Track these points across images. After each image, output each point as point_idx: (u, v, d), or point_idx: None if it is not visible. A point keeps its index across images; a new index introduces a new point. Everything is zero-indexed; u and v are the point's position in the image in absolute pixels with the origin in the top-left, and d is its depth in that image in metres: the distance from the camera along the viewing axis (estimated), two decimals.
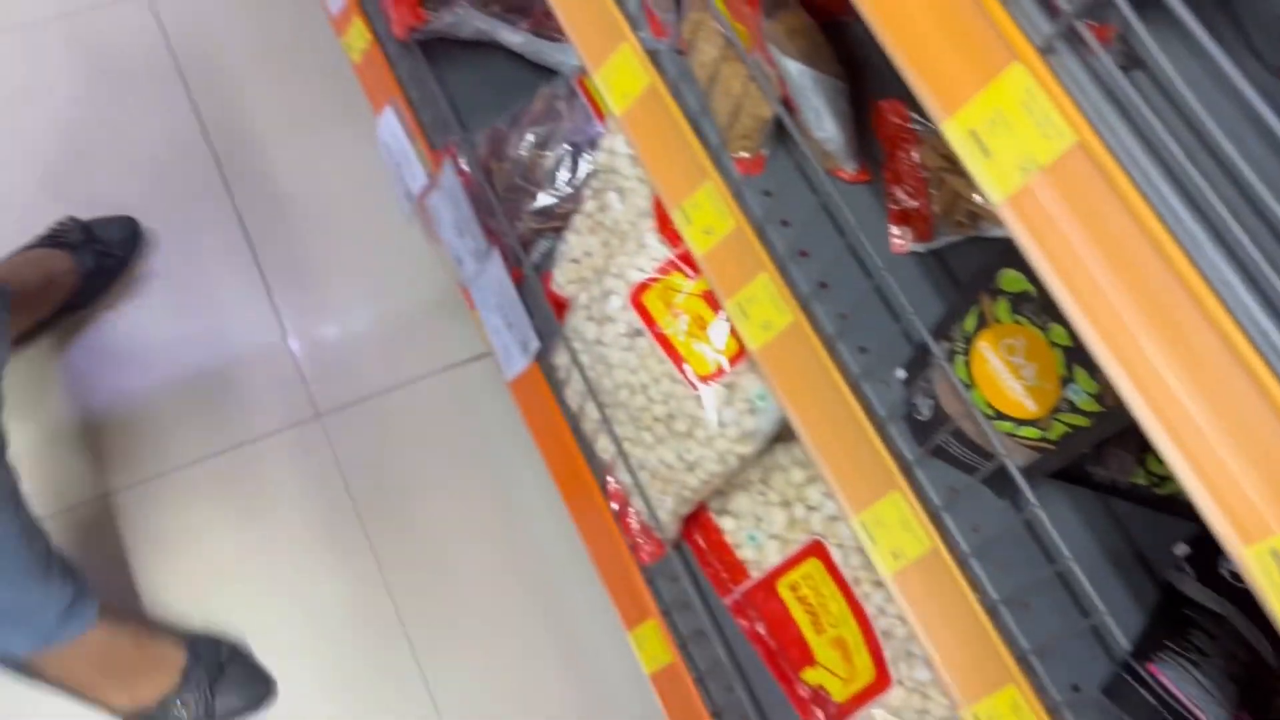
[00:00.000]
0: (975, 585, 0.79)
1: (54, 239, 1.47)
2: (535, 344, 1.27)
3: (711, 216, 0.91)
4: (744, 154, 0.91)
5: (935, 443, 0.81)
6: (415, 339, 1.56)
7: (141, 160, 1.64)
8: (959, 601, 0.79)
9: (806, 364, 0.86)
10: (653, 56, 0.96)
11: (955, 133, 0.54)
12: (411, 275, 1.60)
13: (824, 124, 0.88)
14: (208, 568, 1.39)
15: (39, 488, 1.40)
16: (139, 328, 1.52)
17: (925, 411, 0.82)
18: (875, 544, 0.83)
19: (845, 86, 0.92)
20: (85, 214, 1.51)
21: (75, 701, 1.25)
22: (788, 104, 0.86)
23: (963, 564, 0.79)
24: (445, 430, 1.50)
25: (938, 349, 0.76)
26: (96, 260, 1.48)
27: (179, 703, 1.28)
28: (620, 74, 0.97)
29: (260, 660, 1.36)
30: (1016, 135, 0.51)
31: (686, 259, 1.09)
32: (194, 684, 1.28)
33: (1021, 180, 0.51)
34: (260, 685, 1.34)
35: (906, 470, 0.82)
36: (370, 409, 1.50)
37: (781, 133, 0.93)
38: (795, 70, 0.86)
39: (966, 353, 0.77)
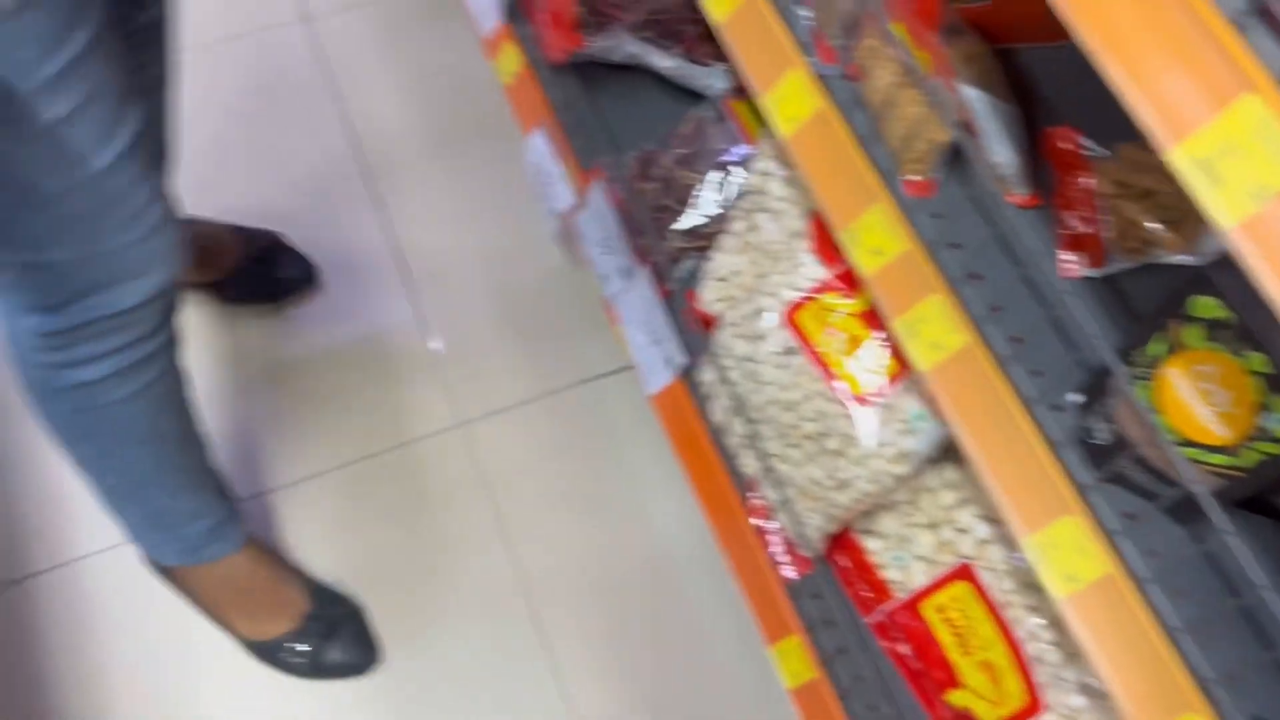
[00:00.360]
0: (1154, 611, 0.79)
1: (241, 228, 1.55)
2: (680, 359, 1.29)
3: (881, 238, 0.93)
4: (915, 177, 0.92)
5: (1113, 468, 0.81)
6: (555, 351, 1.60)
7: (297, 173, 1.72)
8: (1135, 627, 0.79)
9: (978, 386, 0.87)
10: (822, 81, 0.98)
11: (1182, 160, 0.55)
12: (552, 289, 1.65)
13: (999, 149, 0.89)
14: (350, 560, 1.45)
15: None
16: (290, 334, 1.59)
17: (1102, 436, 0.82)
18: (1048, 567, 0.83)
19: (1017, 112, 0.93)
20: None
21: (200, 614, 1.36)
22: (966, 129, 0.87)
23: (1141, 589, 0.79)
24: (584, 442, 1.54)
25: (1122, 372, 0.76)
26: (261, 265, 1.56)
27: (293, 646, 1.36)
28: (788, 98, 1.00)
29: (373, 629, 1.41)
30: (1250, 163, 0.52)
31: (843, 279, 1.11)
32: (310, 632, 1.36)
33: (1254, 207, 0.52)
34: (368, 651, 1.40)
35: (1081, 494, 0.82)
36: (511, 418, 1.55)
37: (953, 157, 0.94)
38: (973, 95, 0.87)
39: (1151, 378, 0.77)
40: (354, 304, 1.62)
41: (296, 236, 1.63)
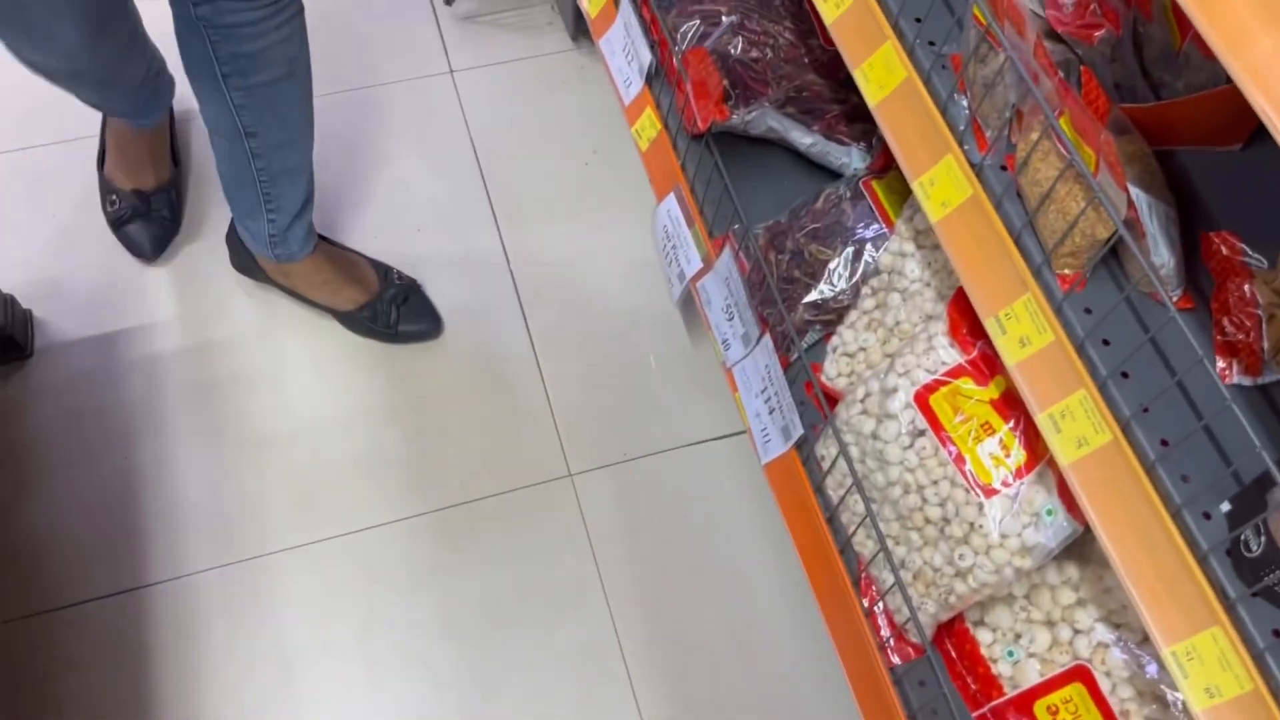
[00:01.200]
0: None
1: (387, 270, 1.67)
2: (799, 431, 1.30)
3: (1029, 328, 0.93)
4: (1069, 271, 0.92)
5: (1265, 583, 0.79)
6: (668, 412, 1.62)
7: (430, 218, 1.78)
8: None
9: (1122, 486, 0.86)
10: (975, 170, 0.99)
11: None
12: (670, 351, 1.67)
13: (1159, 249, 0.89)
14: (446, 599, 1.47)
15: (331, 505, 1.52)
16: (411, 374, 1.64)
17: (1255, 549, 0.80)
18: (1188, 678, 0.81)
19: (1175, 214, 0.93)
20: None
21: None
22: (1129, 226, 0.87)
23: None
24: (690, 505, 1.55)
25: None
26: (393, 305, 1.62)
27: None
28: (941, 184, 1.01)
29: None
30: None
31: (976, 365, 1.11)
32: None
33: None
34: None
35: (1228, 607, 0.80)
36: (619, 474, 1.56)
37: (1108, 253, 0.94)
38: (1137, 194, 0.87)
39: None
40: (476, 348, 1.66)
41: (428, 272, 1.69)
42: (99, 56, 1.30)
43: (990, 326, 0.96)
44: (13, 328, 1.58)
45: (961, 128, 1.00)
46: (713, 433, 1.60)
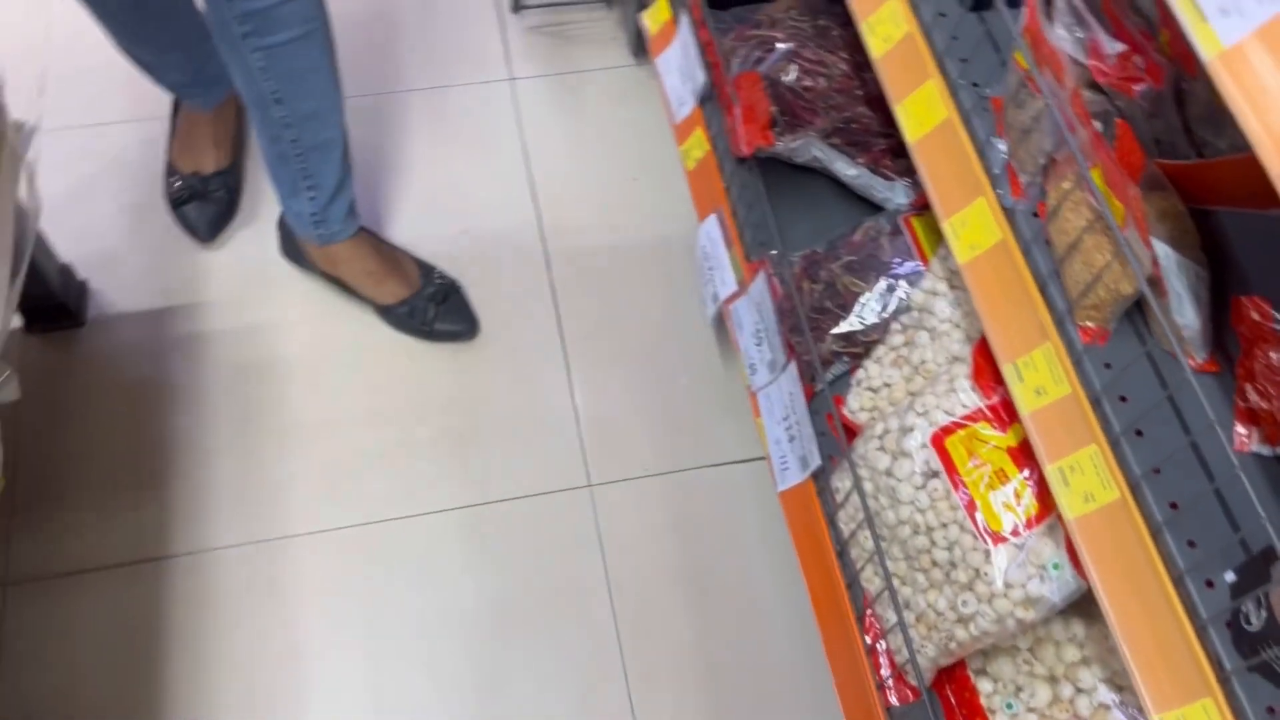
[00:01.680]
0: None
1: (429, 268, 1.71)
2: (816, 462, 1.29)
3: (1046, 378, 0.92)
4: (1090, 324, 0.91)
5: (1262, 657, 0.77)
6: (691, 432, 1.62)
7: (476, 222, 1.81)
8: None
9: (1125, 546, 0.84)
10: (1007, 214, 0.99)
11: None
12: (698, 371, 1.67)
13: (1184, 309, 0.88)
14: (462, 597, 1.48)
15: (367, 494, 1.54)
16: (442, 371, 1.66)
17: (1255, 622, 0.78)
18: None
19: (1206, 275, 0.91)
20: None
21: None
22: (1154, 284, 0.86)
23: None
24: (705, 526, 1.55)
25: None
26: (431, 304, 1.65)
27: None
28: (972, 226, 1.00)
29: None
30: None
31: (996, 410, 1.10)
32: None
33: None
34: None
35: (1223, 679, 0.78)
36: (638, 489, 1.57)
37: (1131, 308, 0.93)
38: (1165, 252, 0.86)
39: None
40: (509, 352, 1.68)
41: (476, 290, 1.71)
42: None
43: (1008, 373, 0.95)
44: (67, 296, 1.64)
45: (997, 171, 1.00)
46: (734, 456, 1.60)
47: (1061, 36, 0.92)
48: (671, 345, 1.70)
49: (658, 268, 1.77)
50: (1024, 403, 0.93)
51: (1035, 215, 0.98)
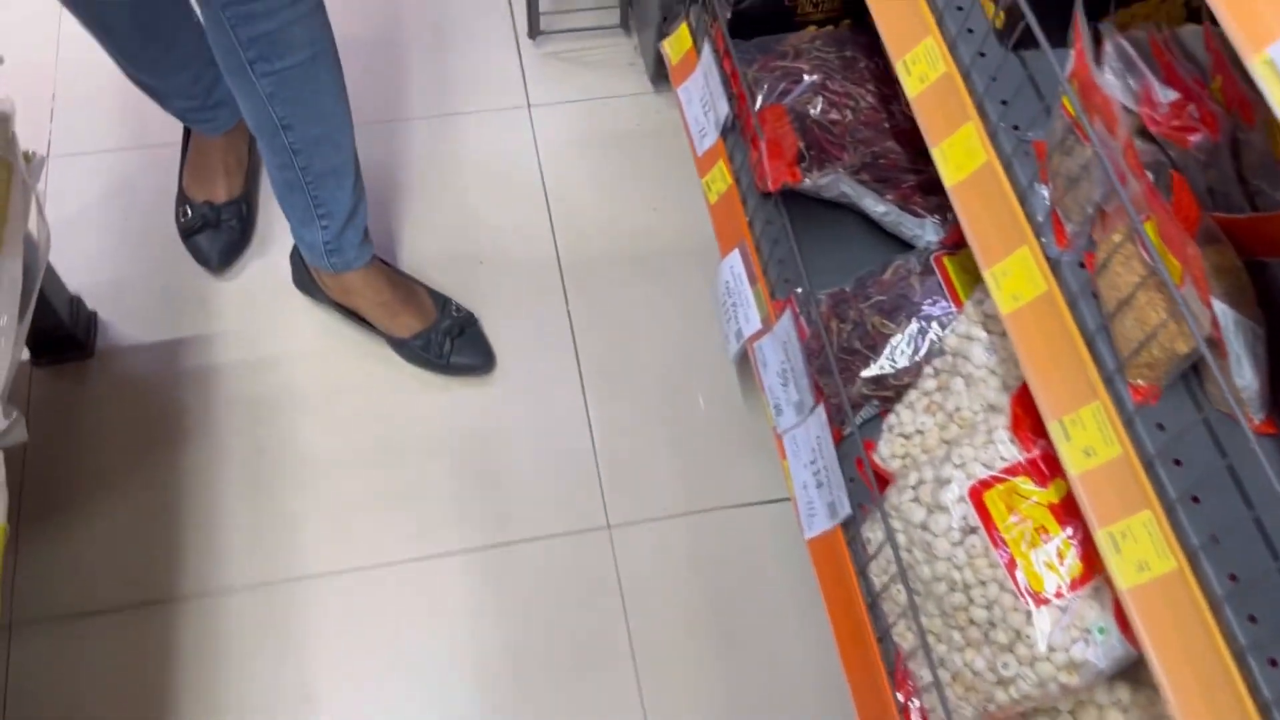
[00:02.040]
0: None
1: (445, 301, 1.68)
2: (846, 510, 1.25)
3: (1095, 438, 0.88)
4: (1141, 382, 0.87)
5: None
6: (712, 470, 1.58)
7: (493, 252, 1.77)
8: None
9: (1184, 619, 0.80)
10: (1052, 265, 0.95)
11: None
12: (719, 408, 1.63)
13: (1242, 370, 0.84)
14: (478, 640, 1.44)
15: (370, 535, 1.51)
16: (459, 407, 1.62)
17: None
18: None
19: (1264, 333, 0.87)
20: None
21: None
22: (1212, 344, 0.82)
23: None
24: (728, 570, 1.50)
25: None
26: (447, 337, 1.61)
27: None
28: (1014, 275, 0.97)
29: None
30: None
31: (1036, 464, 1.06)
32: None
33: None
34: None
35: None
36: (658, 530, 1.53)
37: (1186, 367, 0.89)
38: (1223, 311, 0.82)
39: None
40: (527, 388, 1.65)
41: (491, 318, 1.68)
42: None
43: (1054, 431, 0.91)
44: (76, 327, 1.61)
45: (1040, 219, 0.96)
46: (757, 496, 1.56)
47: (1111, 83, 0.89)
48: (692, 381, 1.66)
49: (678, 301, 1.73)
50: (1072, 463, 0.89)
51: (1081, 266, 0.95)
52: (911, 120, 1.47)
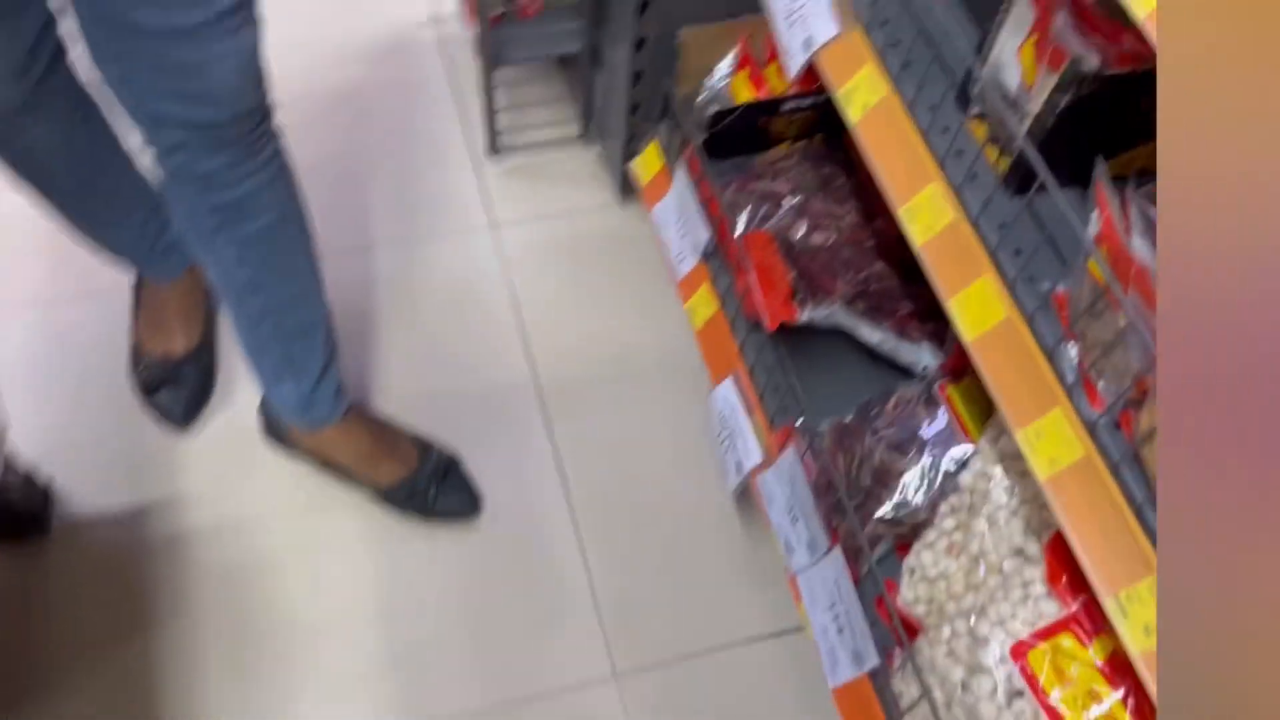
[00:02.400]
0: None
1: (426, 444, 1.60)
2: (873, 660, 1.21)
3: (1154, 614, 0.85)
4: None
5: None
6: (723, 604, 1.52)
7: (470, 384, 1.71)
8: None
9: None
10: (1088, 428, 0.92)
11: None
12: (720, 537, 1.58)
13: None
14: None
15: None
16: (448, 556, 1.55)
17: None
18: None
19: None
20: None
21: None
22: None
23: None
24: (743, 709, 1.44)
25: None
26: (431, 483, 1.54)
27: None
28: (1049, 438, 0.93)
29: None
30: None
31: (1079, 620, 1.02)
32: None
33: None
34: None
35: None
36: (668, 674, 1.46)
37: None
38: None
39: None
40: (516, 531, 1.58)
41: (473, 455, 1.61)
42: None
43: (1110, 607, 0.87)
44: (32, 503, 1.51)
45: (1070, 380, 0.93)
46: (772, 628, 1.50)
47: (1142, 247, 0.86)
48: (689, 510, 1.61)
49: (668, 425, 1.68)
50: (1133, 642, 0.85)
51: (1117, 426, 0.92)
52: (897, 236, 1.45)
